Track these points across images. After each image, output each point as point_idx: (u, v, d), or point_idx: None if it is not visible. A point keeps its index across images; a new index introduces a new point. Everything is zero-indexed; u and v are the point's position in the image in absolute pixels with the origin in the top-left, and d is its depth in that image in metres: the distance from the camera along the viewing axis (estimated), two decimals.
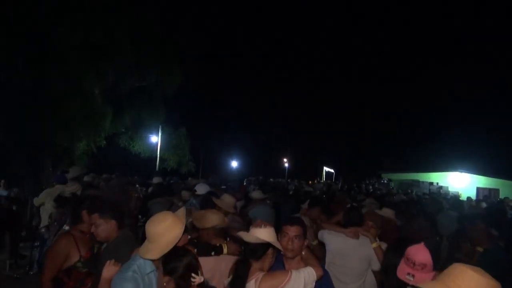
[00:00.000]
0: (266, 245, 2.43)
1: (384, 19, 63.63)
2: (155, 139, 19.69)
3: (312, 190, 11.52)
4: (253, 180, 14.20)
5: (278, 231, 2.68)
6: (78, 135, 13.19)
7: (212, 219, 3.06)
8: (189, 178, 12.99)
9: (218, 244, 2.96)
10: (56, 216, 5.13)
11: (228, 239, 3.07)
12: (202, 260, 2.59)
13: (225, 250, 2.94)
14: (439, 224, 6.53)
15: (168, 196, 6.43)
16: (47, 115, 11.35)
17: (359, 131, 48.57)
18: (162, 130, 19.42)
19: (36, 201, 5.96)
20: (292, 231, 2.65)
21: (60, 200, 5.20)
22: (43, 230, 5.53)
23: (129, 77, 15.41)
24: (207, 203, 4.29)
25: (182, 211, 2.58)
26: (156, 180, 8.40)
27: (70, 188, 5.72)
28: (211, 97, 35.86)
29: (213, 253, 2.89)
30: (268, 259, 2.45)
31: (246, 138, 39.27)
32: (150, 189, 8.70)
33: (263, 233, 2.43)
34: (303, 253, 2.71)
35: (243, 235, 2.49)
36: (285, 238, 2.65)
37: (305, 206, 6.46)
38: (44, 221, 5.66)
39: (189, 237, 2.95)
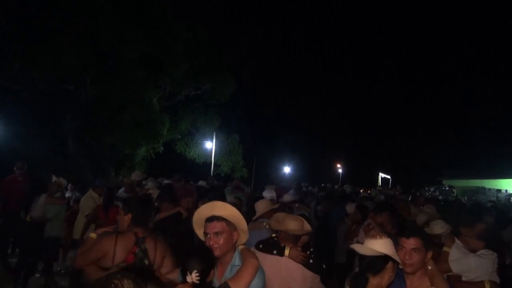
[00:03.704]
0: (385, 258, 2.20)
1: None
2: (210, 145, 20.23)
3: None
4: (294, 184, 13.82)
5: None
6: (138, 141, 13.98)
7: (286, 223, 3.00)
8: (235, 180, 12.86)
9: (282, 245, 2.97)
10: None
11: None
12: (262, 256, 2.72)
13: (286, 253, 2.93)
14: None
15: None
16: (111, 123, 12.15)
17: (418, 134, 46.25)
18: (216, 136, 19.92)
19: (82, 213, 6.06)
20: (409, 243, 2.41)
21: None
22: None
23: (185, 87, 16.11)
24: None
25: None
26: (201, 183, 8.62)
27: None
28: (265, 103, 36.23)
29: (274, 252, 2.92)
30: (387, 274, 2.20)
31: (300, 143, 39.08)
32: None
33: (380, 245, 2.21)
34: (429, 267, 2.49)
35: (357, 247, 2.30)
36: (402, 251, 2.41)
37: (350, 209, 6.21)
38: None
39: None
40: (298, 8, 60.36)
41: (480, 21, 58.21)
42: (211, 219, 2.29)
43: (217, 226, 2.26)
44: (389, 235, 3.63)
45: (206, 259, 2.05)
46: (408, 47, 65.62)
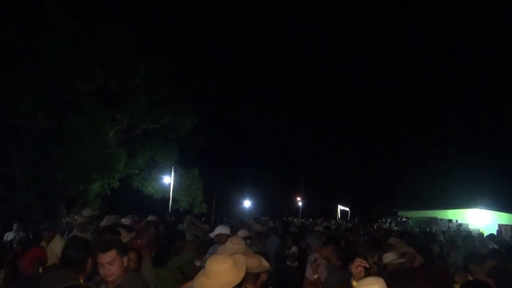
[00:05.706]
0: None
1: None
2: (168, 179, 19.76)
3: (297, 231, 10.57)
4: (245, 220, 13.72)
5: None
6: (92, 177, 13.43)
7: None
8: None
9: (244, 287, 2.83)
10: None
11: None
12: None
13: None
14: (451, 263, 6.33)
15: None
16: (63, 159, 11.64)
17: (375, 169, 47.88)
18: (174, 170, 19.54)
19: None
20: None
21: None
22: None
23: (143, 120, 15.86)
24: None
25: (242, 258, 2.61)
26: (150, 218, 8.17)
27: None
28: (224, 137, 36.19)
29: None
30: None
31: (260, 177, 39.10)
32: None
33: None
34: None
35: None
36: None
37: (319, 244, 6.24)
38: None
39: None
40: (259, 44, 62.31)
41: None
42: None
43: None
44: (334, 267, 3.64)
45: None
46: (362, 82, 69.17)
